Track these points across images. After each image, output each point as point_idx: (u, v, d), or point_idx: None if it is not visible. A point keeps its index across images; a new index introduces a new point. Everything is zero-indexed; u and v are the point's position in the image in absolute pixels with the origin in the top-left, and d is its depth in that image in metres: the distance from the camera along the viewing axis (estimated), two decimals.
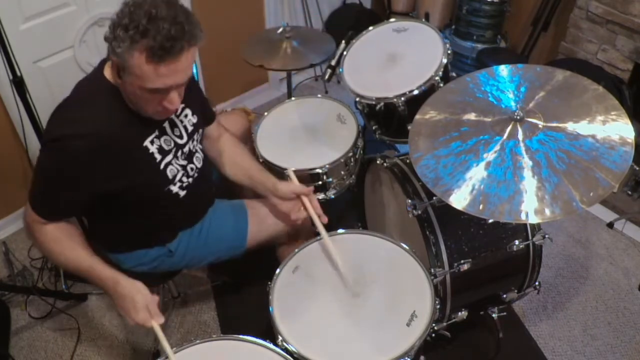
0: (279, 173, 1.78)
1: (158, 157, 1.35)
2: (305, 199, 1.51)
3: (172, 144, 1.39)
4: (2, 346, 1.92)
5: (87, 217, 1.53)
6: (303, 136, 1.90)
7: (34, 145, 2.16)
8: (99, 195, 1.29)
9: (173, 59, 1.12)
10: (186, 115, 1.44)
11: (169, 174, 1.39)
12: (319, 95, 2.08)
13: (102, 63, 1.30)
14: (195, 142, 1.48)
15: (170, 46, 1.10)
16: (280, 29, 2.11)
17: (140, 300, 1.23)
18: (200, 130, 1.52)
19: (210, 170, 1.61)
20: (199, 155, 1.51)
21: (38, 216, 1.28)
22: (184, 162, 1.43)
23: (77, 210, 1.41)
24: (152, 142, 1.33)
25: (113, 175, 1.27)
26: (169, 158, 1.38)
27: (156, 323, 1.23)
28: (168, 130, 1.38)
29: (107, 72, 1.26)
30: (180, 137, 1.42)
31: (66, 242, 1.30)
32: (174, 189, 1.41)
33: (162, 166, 1.36)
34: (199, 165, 1.49)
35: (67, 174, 1.23)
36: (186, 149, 1.44)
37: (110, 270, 1.29)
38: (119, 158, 1.26)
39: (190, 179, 1.46)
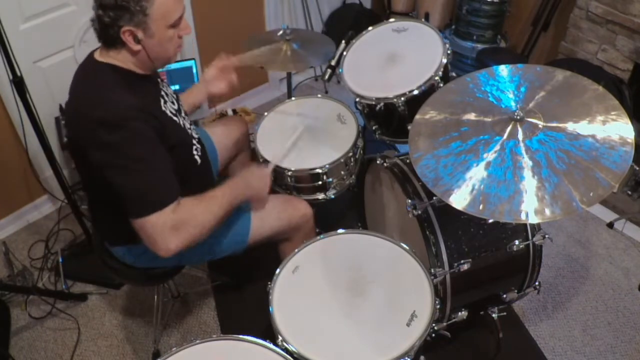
0: (279, 173, 1.78)
1: (176, 119, 1.42)
2: (225, 62, 1.73)
3: (175, 108, 1.46)
4: (2, 346, 1.92)
5: (94, 207, 1.54)
6: (303, 136, 1.90)
7: (34, 145, 2.15)
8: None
9: None
10: (163, 86, 1.50)
11: (189, 132, 1.47)
12: (319, 95, 2.08)
13: (91, 56, 1.32)
14: (182, 108, 1.54)
15: None
16: (281, 31, 2.11)
17: (256, 188, 1.52)
18: (180, 100, 1.58)
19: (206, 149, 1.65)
20: (193, 127, 1.57)
21: (170, 206, 1.25)
22: (189, 125, 1.50)
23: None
24: (165, 107, 1.40)
25: (163, 142, 1.29)
26: (180, 120, 1.45)
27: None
28: (166, 97, 1.45)
29: (105, 58, 1.29)
30: (173, 103, 1.48)
31: (201, 201, 1.34)
32: (195, 153, 1.47)
33: (182, 125, 1.44)
34: (197, 135, 1.55)
35: (153, 145, 1.25)
36: (182, 113, 1.51)
37: (225, 189, 1.41)
38: (157, 125, 1.29)
39: (200, 147, 1.53)
